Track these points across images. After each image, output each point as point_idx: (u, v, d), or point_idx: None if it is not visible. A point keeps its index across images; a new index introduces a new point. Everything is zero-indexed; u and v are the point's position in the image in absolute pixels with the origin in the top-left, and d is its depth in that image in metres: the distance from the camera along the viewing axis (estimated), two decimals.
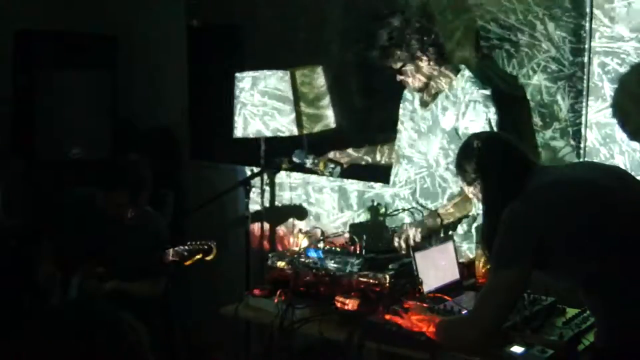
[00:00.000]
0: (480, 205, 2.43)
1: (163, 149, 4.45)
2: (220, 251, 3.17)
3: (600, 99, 3.02)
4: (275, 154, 3.50)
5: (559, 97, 3.10)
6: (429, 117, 3.04)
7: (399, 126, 3.19)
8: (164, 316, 3.57)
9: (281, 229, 3.99)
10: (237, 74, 3.52)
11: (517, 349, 2.23)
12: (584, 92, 3.05)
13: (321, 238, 2.98)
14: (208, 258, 3.13)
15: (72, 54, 4.21)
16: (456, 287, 2.73)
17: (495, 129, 2.86)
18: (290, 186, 3.97)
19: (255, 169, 3.73)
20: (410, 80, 3.00)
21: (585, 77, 3.04)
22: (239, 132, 3.51)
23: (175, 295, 3.64)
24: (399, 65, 2.97)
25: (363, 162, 3.36)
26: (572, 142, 3.09)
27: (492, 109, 2.89)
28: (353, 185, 3.76)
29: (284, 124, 3.40)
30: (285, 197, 3.99)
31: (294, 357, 2.74)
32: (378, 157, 3.33)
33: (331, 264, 2.74)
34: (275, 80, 3.41)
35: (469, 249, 3.00)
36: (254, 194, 3.65)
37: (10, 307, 3.18)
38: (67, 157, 4.17)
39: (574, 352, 2.29)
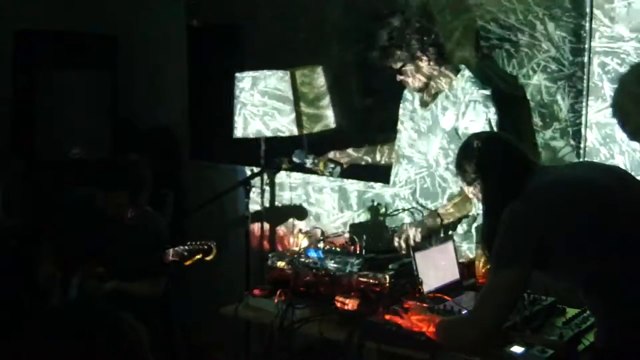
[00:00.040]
0: (480, 205, 2.43)
1: (163, 149, 4.45)
2: (220, 251, 3.17)
3: (600, 99, 3.02)
4: (275, 154, 3.50)
5: (559, 97, 3.10)
6: (428, 117, 3.04)
7: (399, 126, 3.19)
8: (164, 316, 3.57)
9: (281, 229, 3.99)
10: (237, 74, 3.52)
11: (517, 349, 2.23)
12: (584, 92, 3.05)
13: (321, 238, 2.98)
14: (208, 258, 3.13)
15: (72, 54, 4.21)
16: (456, 287, 2.73)
17: (495, 129, 2.86)
18: (290, 186, 3.97)
19: (255, 169, 3.73)
20: (410, 80, 3.00)
21: (585, 77, 3.04)
22: (239, 132, 3.51)
23: (175, 295, 3.64)
24: (399, 65, 2.97)
25: (363, 162, 3.36)
26: (572, 142, 3.09)
27: (492, 109, 2.89)
28: (353, 186, 3.76)
29: (284, 124, 3.40)
30: (285, 197, 3.99)
31: (294, 357, 2.74)
32: (378, 157, 3.33)
33: (331, 264, 2.74)
34: (275, 80, 3.41)
35: (469, 249, 3.00)
36: (254, 194, 3.65)
37: (10, 307, 3.18)
38: (67, 157, 4.17)
39: (574, 352, 2.29)
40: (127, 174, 3.18)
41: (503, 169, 2.32)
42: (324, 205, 3.88)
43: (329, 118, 3.54)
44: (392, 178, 3.22)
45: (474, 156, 2.35)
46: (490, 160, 2.34)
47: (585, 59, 3.02)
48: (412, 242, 2.84)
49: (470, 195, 2.48)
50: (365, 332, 2.41)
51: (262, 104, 3.42)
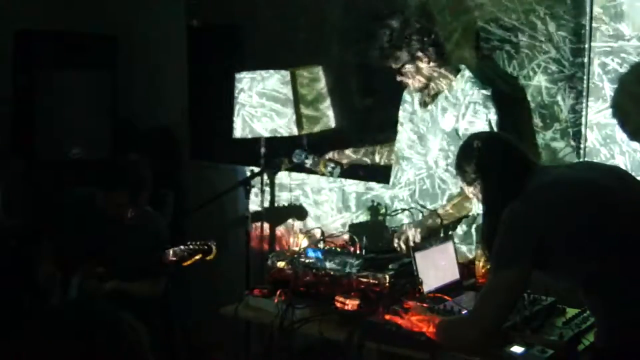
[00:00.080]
0: (480, 205, 2.43)
1: (163, 149, 4.45)
2: (220, 251, 3.17)
3: (601, 99, 3.02)
4: (275, 154, 3.50)
5: (559, 98, 3.10)
6: (428, 119, 3.04)
7: (399, 127, 3.19)
8: (164, 316, 3.57)
9: (281, 229, 3.99)
10: (237, 74, 3.51)
11: (517, 349, 2.23)
12: (584, 93, 3.04)
13: (321, 238, 2.98)
14: (208, 258, 3.13)
15: (72, 54, 4.21)
16: (456, 287, 2.73)
17: (495, 129, 2.86)
18: (290, 187, 3.98)
19: (255, 169, 3.73)
20: (410, 80, 3.00)
21: (585, 77, 3.04)
22: (238, 133, 3.51)
23: (175, 295, 3.64)
24: (398, 65, 2.97)
25: (363, 163, 3.35)
26: (573, 143, 3.09)
27: (492, 110, 2.89)
28: (352, 187, 3.76)
29: (283, 126, 3.40)
30: (285, 198, 3.99)
31: (294, 357, 2.74)
32: (377, 158, 3.32)
33: (331, 264, 2.74)
34: (275, 82, 3.40)
35: (469, 249, 3.00)
36: (254, 194, 3.65)
37: (10, 307, 3.18)
38: (67, 157, 4.17)
39: (574, 352, 2.29)
40: (127, 174, 3.18)
41: (503, 169, 2.32)
42: (322, 207, 3.88)
43: (329, 118, 3.53)
44: (391, 180, 3.22)
45: (474, 156, 2.35)
46: (490, 160, 2.34)
47: (585, 59, 3.02)
48: (412, 242, 2.84)
49: (470, 195, 2.48)
50: (365, 332, 2.41)
51: (260, 106, 3.41)
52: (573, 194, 2.21)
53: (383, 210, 3.28)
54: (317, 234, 3.13)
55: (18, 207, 4.03)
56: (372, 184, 3.67)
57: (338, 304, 2.53)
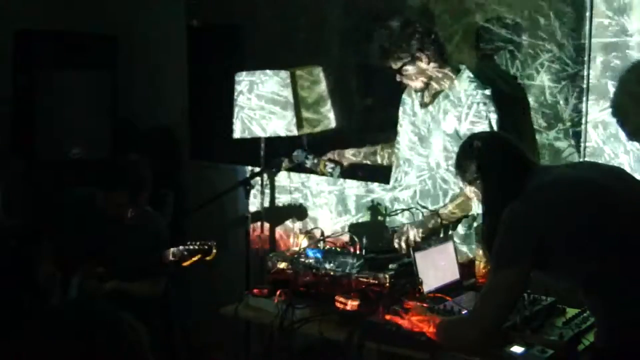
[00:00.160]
0: (480, 205, 2.43)
1: (163, 149, 4.45)
2: (220, 251, 3.17)
3: (606, 97, 3.01)
4: (275, 154, 3.50)
5: (562, 97, 3.09)
6: (429, 120, 3.04)
7: (399, 129, 3.18)
8: (164, 316, 3.57)
9: (281, 229, 3.98)
10: (237, 74, 3.51)
11: (517, 349, 2.23)
12: (584, 91, 3.04)
13: (321, 238, 2.98)
14: (208, 258, 3.13)
15: (72, 54, 4.21)
16: (456, 287, 2.73)
17: (495, 129, 2.86)
18: (290, 189, 3.98)
19: (256, 169, 3.73)
20: (410, 80, 3.00)
21: (585, 76, 3.03)
22: (238, 133, 3.51)
23: (175, 295, 3.64)
24: (398, 65, 2.97)
25: (363, 162, 3.35)
26: (573, 142, 3.09)
27: (493, 110, 2.89)
28: (352, 190, 3.76)
29: (282, 127, 3.39)
30: (285, 199, 3.99)
31: (294, 357, 2.74)
32: (378, 158, 3.32)
33: (331, 264, 2.74)
34: (274, 84, 3.39)
35: (469, 249, 3.00)
36: (254, 195, 3.65)
37: (10, 307, 3.18)
38: (67, 157, 4.17)
39: (574, 352, 2.29)
40: (127, 174, 3.18)
41: (503, 168, 2.32)
42: (322, 209, 3.88)
43: (330, 120, 3.53)
44: (392, 182, 3.22)
45: (474, 156, 2.36)
46: (490, 160, 2.34)
47: (586, 57, 3.02)
48: (412, 243, 2.84)
49: (470, 196, 2.48)
50: (365, 332, 2.41)
51: (260, 108, 3.41)
52: (573, 194, 2.21)
53: (383, 211, 3.28)
54: (317, 234, 3.13)
55: (18, 207, 4.03)
56: (373, 187, 3.67)
57: (338, 304, 2.53)
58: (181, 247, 3.14)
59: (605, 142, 3.03)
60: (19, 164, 4.18)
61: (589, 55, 3.01)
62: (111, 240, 3.20)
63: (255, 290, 2.80)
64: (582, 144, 3.07)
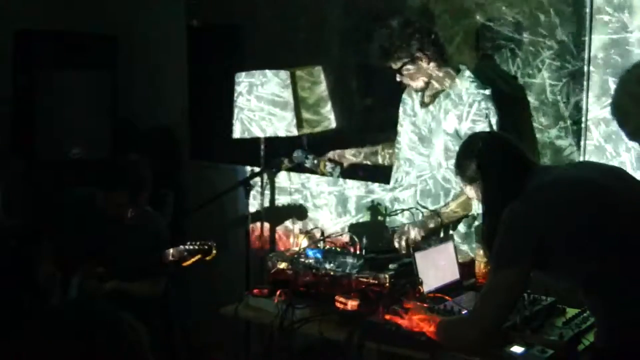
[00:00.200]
0: (480, 205, 2.43)
1: (163, 149, 4.45)
2: (220, 251, 3.17)
3: (607, 94, 3.00)
4: (275, 154, 3.50)
5: (564, 95, 3.09)
6: (430, 120, 3.04)
7: (399, 129, 3.18)
8: (164, 316, 3.57)
9: (281, 229, 3.98)
10: (237, 74, 3.51)
11: (517, 349, 2.23)
12: (584, 89, 3.04)
13: (321, 238, 2.98)
14: (208, 258, 3.13)
15: (72, 54, 4.21)
16: (456, 287, 2.73)
17: (495, 129, 2.86)
18: (290, 191, 3.98)
19: (256, 169, 3.73)
20: (410, 80, 3.00)
21: (585, 72, 3.03)
22: (238, 133, 3.51)
23: (175, 295, 3.64)
24: (399, 65, 2.97)
25: (364, 163, 3.35)
26: (573, 141, 3.09)
27: (493, 109, 2.89)
28: (352, 191, 3.76)
29: (282, 128, 3.39)
30: (284, 201, 3.99)
31: (294, 357, 2.74)
32: (379, 158, 3.32)
33: (331, 264, 2.74)
34: (274, 85, 3.39)
35: (470, 249, 3.00)
36: (253, 197, 3.64)
37: (10, 307, 3.18)
38: (67, 157, 4.17)
39: (574, 352, 2.29)
40: (127, 174, 3.18)
41: (503, 168, 2.32)
42: (322, 210, 3.88)
43: (330, 121, 3.53)
44: (392, 183, 3.22)
45: (474, 156, 2.35)
46: (490, 160, 2.34)
47: (586, 55, 3.02)
48: (412, 242, 2.84)
49: (470, 195, 2.48)
50: (365, 332, 2.41)
51: (259, 109, 3.40)
52: (573, 194, 2.21)
53: (383, 211, 3.28)
54: (317, 234, 3.13)
55: (18, 207, 4.03)
56: (373, 187, 3.66)
57: (338, 304, 2.53)
58: (181, 247, 3.14)
59: (606, 140, 3.03)
60: (19, 164, 4.18)
61: (589, 52, 3.01)
62: (111, 240, 3.20)
63: (255, 290, 2.80)
64: (579, 140, 3.06)
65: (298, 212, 3.94)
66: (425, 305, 2.47)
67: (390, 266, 2.69)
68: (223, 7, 4.21)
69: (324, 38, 3.78)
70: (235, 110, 3.48)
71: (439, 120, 3.00)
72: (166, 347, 3.68)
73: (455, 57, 3.23)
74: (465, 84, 2.95)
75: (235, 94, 3.49)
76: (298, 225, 3.92)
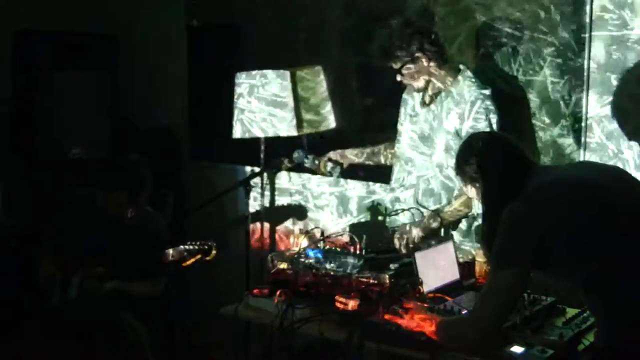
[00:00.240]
0: (480, 205, 2.43)
1: (163, 149, 4.45)
2: (220, 251, 3.17)
3: (609, 91, 3.00)
4: (275, 154, 3.50)
5: (565, 93, 3.09)
6: (431, 119, 3.04)
7: (400, 129, 3.18)
8: (164, 316, 3.57)
9: (281, 229, 3.98)
10: (237, 74, 3.51)
11: (517, 349, 2.23)
12: (584, 86, 3.04)
13: (321, 238, 2.98)
14: (208, 258, 3.13)
15: (72, 54, 4.21)
16: (456, 287, 2.73)
17: (495, 128, 2.86)
18: (291, 192, 3.98)
19: (256, 169, 3.73)
20: (410, 80, 3.00)
21: (585, 69, 3.03)
22: (238, 133, 3.51)
23: (175, 295, 3.64)
24: (399, 65, 2.97)
25: (365, 163, 3.35)
26: (572, 140, 3.09)
27: (493, 109, 2.89)
28: (354, 192, 3.76)
29: (283, 129, 3.39)
30: (285, 200, 3.99)
31: (294, 357, 2.74)
32: (381, 158, 3.32)
33: (331, 264, 2.74)
34: (274, 86, 3.39)
35: (469, 249, 3.00)
36: (253, 198, 3.64)
37: (10, 307, 3.18)
38: (67, 157, 4.17)
39: (574, 352, 2.29)
40: (127, 174, 3.18)
41: (503, 168, 2.31)
42: (323, 210, 3.88)
43: (330, 120, 3.53)
44: (392, 183, 3.21)
45: (474, 156, 2.35)
46: (490, 160, 2.34)
47: (586, 52, 3.02)
48: (412, 242, 2.84)
49: (471, 195, 2.48)
50: (365, 332, 2.41)
51: (259, 110, 3.40)
52: (573, 194, 2.21)
53: (383, 211, 3.28)
54: (317, 234, 3.13)
55: (18, 207, 4.03)
56: (374, 187, 3.66)
57: (338, 304, 2.53)
58: (181, 247, 3.14)
59: (608, 138, 3.03)
60: (19, 164, 4.17)
61: (589, 49, 3.01)
62: (111, 240, 3.20)
63: (255, 291, 2.80)
64: (582, 139, 3.06)
65: (298, 212, 3.94)
66: (425, 305, 2.47)
67: (391, 266, 2.69)
68: (223, 7, 4.21)
69: (324, 38, 3.78)
70: (236, 111, 3.48)
71: (440, 119, 3.00)
72: (166, 347, 3.67)
73: (456, 57, 3.23)
74: (466, 83, 2.95)
75: (236, 94, 3.49)
76: (298, 225, 3.92)
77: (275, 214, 3.89)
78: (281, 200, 3.97)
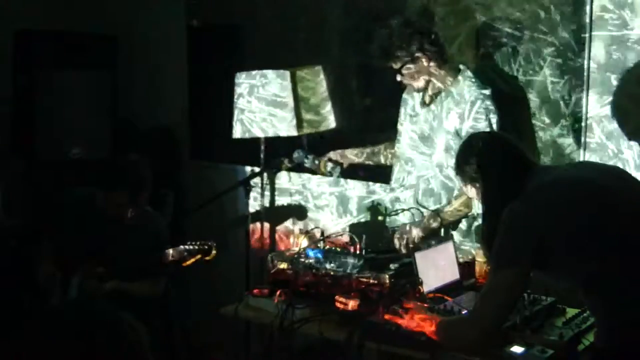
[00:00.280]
0: (480, 205, 2.43)
1: (163, 149, 4.45)
2: (220, 251, 3.17)
3: (609, 91, 3.00)
4: (275, 154, 3.50)
5: (565, 93, 3.09)
6: (432, 119, 3.04)
7: (400, 128, 3.18)
8: (164, 316, 3.57)
9: (281, 229, 3.98)
10: (237, 74, 3.51)
11: (517, 349, 2.23)
12: (584, 86, 3.04)
13: (321, 238, 2.98)
14: (208, 258, 3.13)
15: (72, 54, 4.21)
16: (456, 287, 2.73)
17: (495, 128, 2.86)
18: (291, 192, 3.98)
19: (256, 169, 3.73)
20: (410, 80, 3.00)
21: (585, 68, 3.03)
22: (238, 133, 3.51)
23: (175, 295, 3.64)
24: (399, 65, 2.97)
25: (365, 163, 3.35)
26: (572, 140, 3.09)
27: (493, 109, 2.89)
28: (354, 192, 3.75)
29: (283, 129, 3.39)
30: (285, 201, 3.98)
31: (294, 357, 2.74)
32: (381, 158, 3.32)
33: (331, 264, 2.74)
34: (275, 86, 3.39)
35: (469, 249, 3.00)
36: (253, 198, 3.64)
37: (10, 307, 3.18)
38: (67, 157, 4.17)
39: (574, 352, 2.29)
40: (127, 174, 3.18)
41: (503, 168, 2.31)
42: (323, 210, 3.87)
43: (330, 120, 3.53)
44: (392, 183, 3.21)
45: (474, 156, 2.35)
46: (490, 160, 2.34)
47: (586, 52, 3.02)
48: (412, 243, 2.84)
49: (471, 195, 2.48)
50: (365, 332, 2.41)
51: (259, 110, 3.40)
52: (573, 194, 2.21)
53: (383, 211, 3.28)
54: (317, 234, 3.13)
55: (18, 207, 4.03)
56: (374, 187, 3.66)
57: (338, 304, 2.53)
58: (181, 247, 3.14)
59: (608, 138, 3.03)
60: (19, 164, 4.17)
61: (589, 49, 3.01)
62: (111, 240, 3.20)
63: (255, 291, 2.80)
64: (582, 139, 3.06)
65: (298, 212, 3.94)
66: (425, 305, 2.47)
67: (391, 266, 2.69)
68: (223, 7, 4.21)
69: (324, 38, 3.78)
70: (236, 111, 3.48)
71: (440, 119, 3.00)
72: (166, 347, 3.67)
73: (456, 57, 3.23)
74: (466, 83, 2.95)
75: (236, 94, 3.49)
76: (298, 225, 3.92)
77: (275, 214, 3.89)
78: (281, 200, 3.97)
